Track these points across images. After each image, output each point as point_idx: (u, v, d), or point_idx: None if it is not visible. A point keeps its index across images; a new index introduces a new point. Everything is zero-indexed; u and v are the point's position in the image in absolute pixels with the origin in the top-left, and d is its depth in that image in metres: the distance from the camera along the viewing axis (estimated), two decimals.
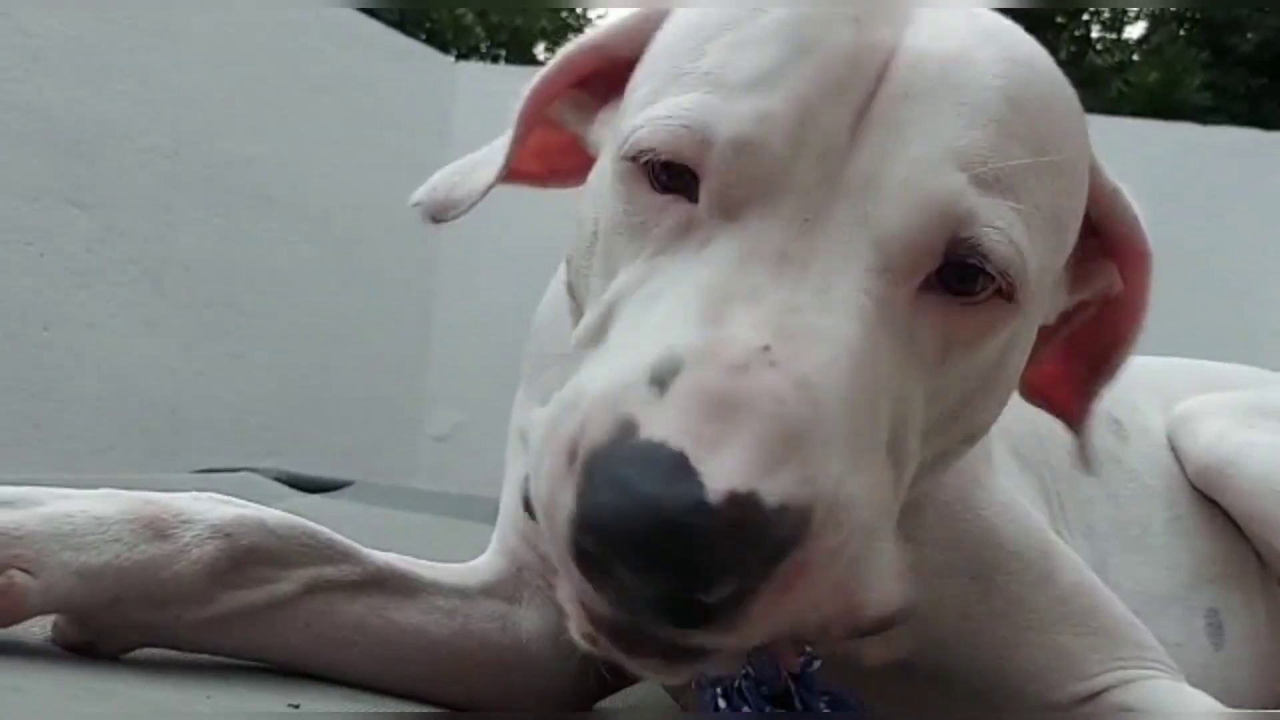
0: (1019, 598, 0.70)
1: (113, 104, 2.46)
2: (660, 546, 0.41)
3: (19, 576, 0.57)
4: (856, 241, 0.49)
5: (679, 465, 0.42)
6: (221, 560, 0.63)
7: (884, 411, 0.49)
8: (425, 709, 0.68)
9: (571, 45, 0.66)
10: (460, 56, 4.47)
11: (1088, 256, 0.63)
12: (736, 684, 0.67)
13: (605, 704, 0.83)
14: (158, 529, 0.62)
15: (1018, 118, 0.52)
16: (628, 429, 0.43)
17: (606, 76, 0.64)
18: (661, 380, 0.44)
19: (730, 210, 0.50)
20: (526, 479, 0.49)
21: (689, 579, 0.42)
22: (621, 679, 0.81)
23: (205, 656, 0.66)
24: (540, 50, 5.68)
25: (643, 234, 0.54)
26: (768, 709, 0.68)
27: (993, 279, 0.51)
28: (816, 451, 0.44)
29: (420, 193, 0.71)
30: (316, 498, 1.42)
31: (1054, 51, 0.60)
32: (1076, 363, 0.69)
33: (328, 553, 0.69)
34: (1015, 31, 0.57)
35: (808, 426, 0.44)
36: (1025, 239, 0.51)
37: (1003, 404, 0.60)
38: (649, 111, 0.53)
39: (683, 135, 0.51)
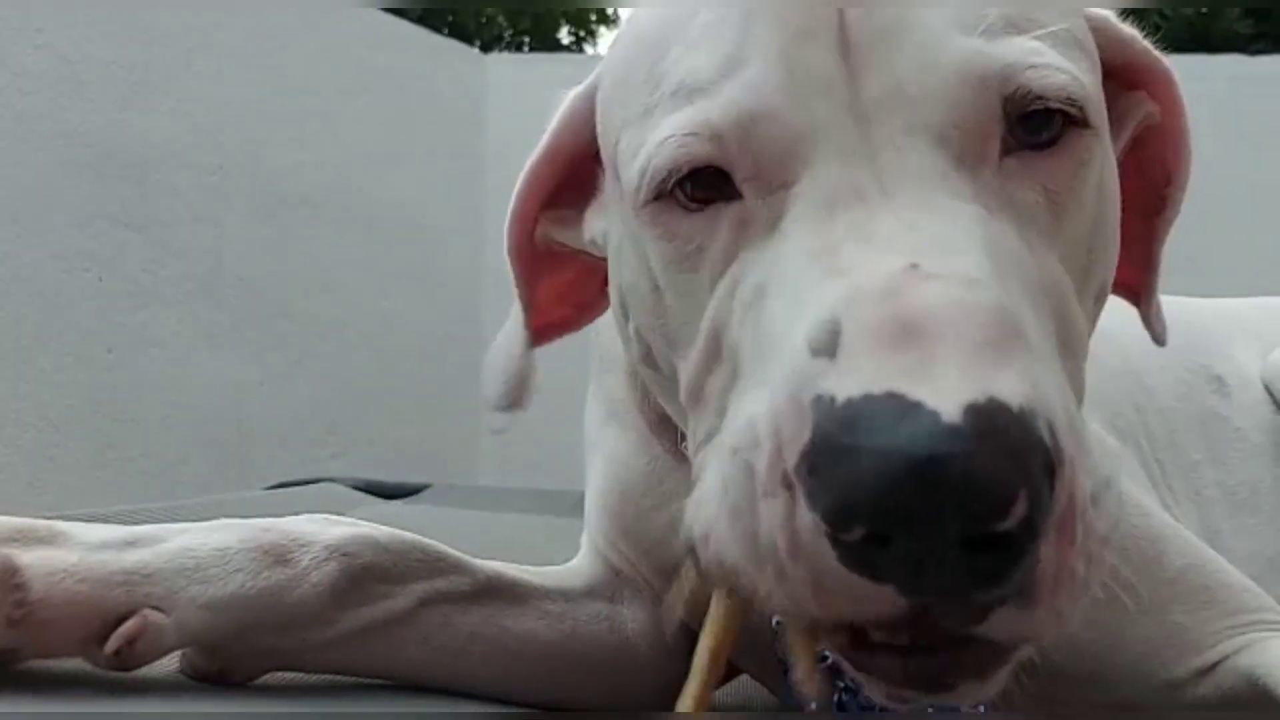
0: (1124, 583, 0.68)
1: (156, 124, 2.49)
2: (934, 492, 0.36)
3: (152, 615, 0.58)
4: (918, 148, 0.47)
5: (899, 405, 0.37)
6: (341, 580, 0.64)
7: (1045, 305, 0.46)
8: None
9: (521, 174, 0.64)
10: (485, 48, 4.47)
11: (1112, 97, 0.60)
12: (837, 696, 0.66)
13: (716, 697, 0.84)
14: (277, 555, 0.63)
15: None
16: (824, 406, 0.39)
17: (571, 181, 0.63)
18: (826, 348, 0.40)
19: (777, 183, 0.48)
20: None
21: (981, 512, 0.36)
22: (727, 674, 0.81)
23: (331, 678, 0.67)
24: (564, 35, 5.67)
25: (701, 257, 0.51)
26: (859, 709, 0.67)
27: (1062, 113, 0.49)
28: (1027, 352, 0.40)
29: (490, 398, 0.70)
30: (397, 504, 1.44)
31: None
32: (1127, 224, 0.64)
33: (439, 565, 0.70)
34: None
35: (1003, 323, 0.40)
36: (1065, 60, 0.49)
37: (1115, 252, 0.56)
38: (645, 150, 0.50)
39: (691, 143, 0.49)
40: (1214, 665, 0.68)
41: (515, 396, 0.69)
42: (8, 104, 2.23)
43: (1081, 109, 0.49)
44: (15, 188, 2.24)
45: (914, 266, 0.41)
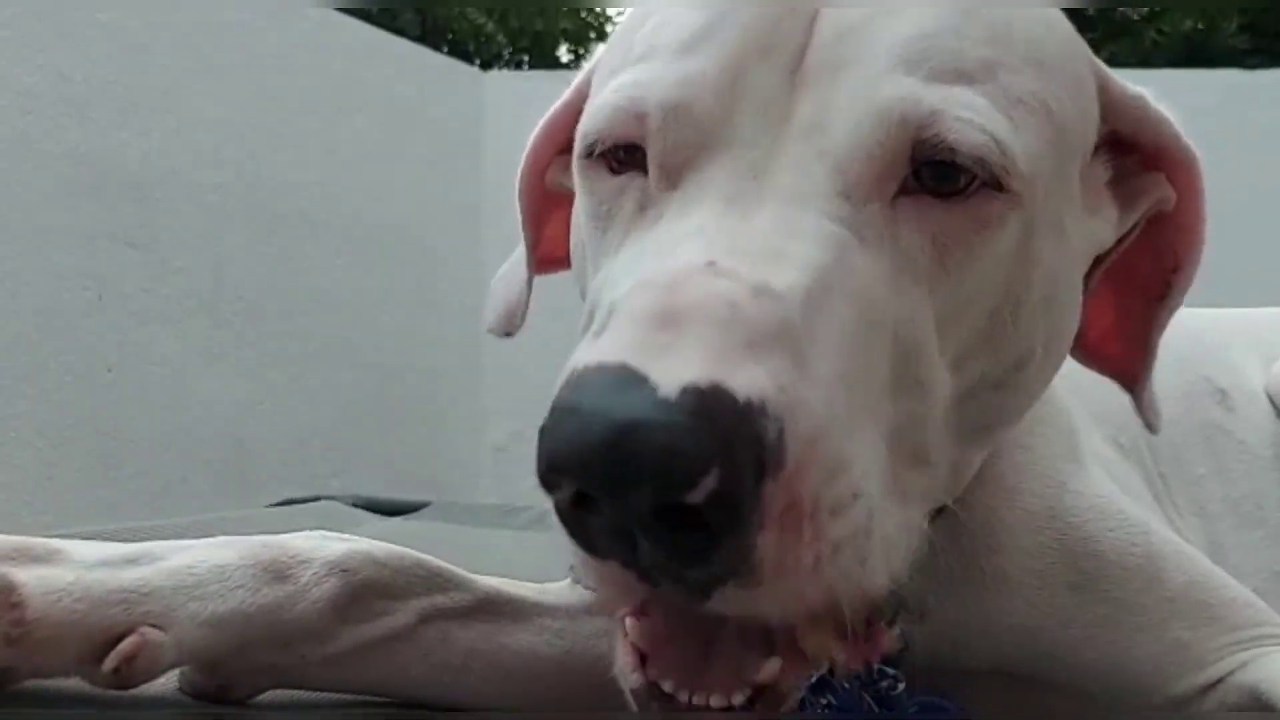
0: (1125, 602, 0.67)
1: (156, 143, 2.49)
2: (626, 458, 0.38)
3: (151, 633, 0.58)
4: (814, 175, 0.48)
5: (625, 375, 0.39)
6: (341, 596, 0.63)
7: (882, 344, 0.46)
8: None
9: (544, 117, 0.69)
10: (484, 65, 4.48)
11: (1129, 174, 0.61)
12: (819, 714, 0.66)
13: None
14: (277, 571, 0.62)
15: (972, 22, 0.51)
16: (569, 375, 0.41)
17: None
18: (606, 322, 0.42)
19: (675, 175, 0.50)
20: None
21: (668, 481, 0.38)
22: None
23: (331, 695, 0.67)
24: (563, 52, 5.68)
25: (609, 221, 0.53)
26: None
27: (974, 173, 0.49)
28: (790, 361, 0.40)
29: (487, 317, 0.76)
30: (397, 521, 1.43)
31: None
32: (1130, 305, 0.65)
33: (438, 581, 0.69)
34: None
35: (776, 331, 0.41)
36: (1003, 124, 0.49)
37: (1054, 328, 0.56)
38: (591, 107, 0.54)
39: (619, 115, 0.52)
40: (1217, 681, 0.67)
41: (510, 323, 0.76)
42: (8, 124, 2.23)
43: (997, 172, 0.49)
44: (15, 207, 2.24)
45: (711, 264, 0.43)
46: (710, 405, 0.38)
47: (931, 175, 0.49)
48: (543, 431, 0.40)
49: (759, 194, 0.47)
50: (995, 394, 0.55)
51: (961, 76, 0.49)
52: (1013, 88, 0.51)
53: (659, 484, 0.38)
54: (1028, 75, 0.52)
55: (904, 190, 0.49)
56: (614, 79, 0.54)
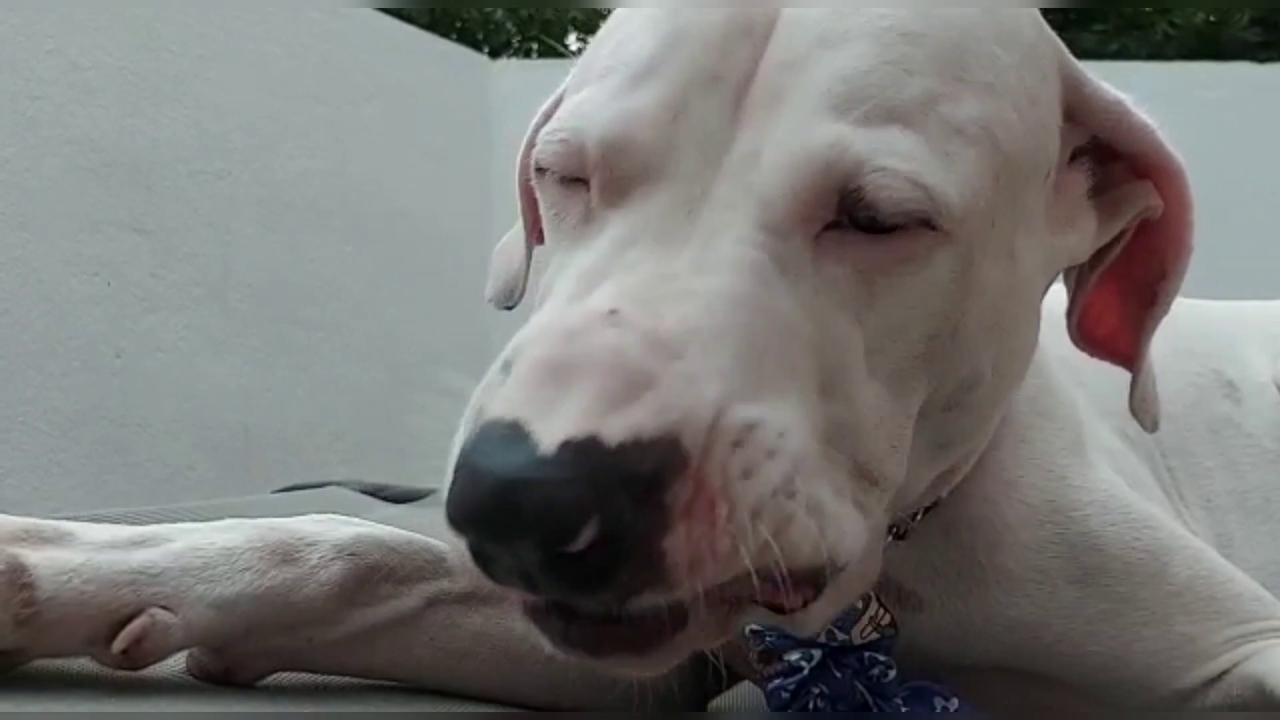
0: (1128, 597, 0.67)
1: (164, 130, 2.50)
2: (508, 513, 0.41)
3: (160, 614, 0.58)
4: (740, 210, 0.48)
5: (512, 433, 0.41)
6: (349, 580, 0.64)
7: (794, 353, 0.47)
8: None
9: (545, 104, 0.70)
10: (493, 54, 4.48)
11: (1115, 182, 0.61)
12: (811, 703, 0.67)
13: (716, 703, 0.84)
14: (284, 554, 0.63)
15: (915, 49, 0.50)
16: (480, 417, 0.43)
17: None
18: (509, 364, 0.44)
19: (614, 199, 0.51)
20: None
21: (548, 534, 0.40)
22: (730, 678, 0.81)
23: (337, 678, 0.67)
24: (573, 41, 5.67)
25: (560, 226, 0.55)
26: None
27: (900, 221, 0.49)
28: (676, 384, 0.42)
29: (487, 289, 0.79)
30: (404, 507, 1.44)
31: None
32: (1130, 307, 0.66)
33: (445, 566, 0.70)
34: None
35: (658, 369, 0.42)
36: (935, 166, 0.49)
37: (1004, 350, 0.56)
38: (544, 132, 0.54)
39: (562, 150, 0.52)
40: (1222, 674, 0.68)
41: (510, 296, 0.78)
42: (18, 109, 2.24)
43: (926, 216, 0.49)
44: (24, 192, 2.25)
45: (613, 312, 0.44)
46: (584, 458, 0.40)
47: (863, 215, 0.49)
48: (452, 481, 0.43)
49: (689, 231, 0.48)
50: (947, 414, 0.55)
51: (895, 116, 0.49)
52: (954, 118, 0.51)
53: (541, 537, 0.41)
54: (973, 102, 0.52)
55: (831, 225, 0.50)
56: (574, 95, 0.54)
